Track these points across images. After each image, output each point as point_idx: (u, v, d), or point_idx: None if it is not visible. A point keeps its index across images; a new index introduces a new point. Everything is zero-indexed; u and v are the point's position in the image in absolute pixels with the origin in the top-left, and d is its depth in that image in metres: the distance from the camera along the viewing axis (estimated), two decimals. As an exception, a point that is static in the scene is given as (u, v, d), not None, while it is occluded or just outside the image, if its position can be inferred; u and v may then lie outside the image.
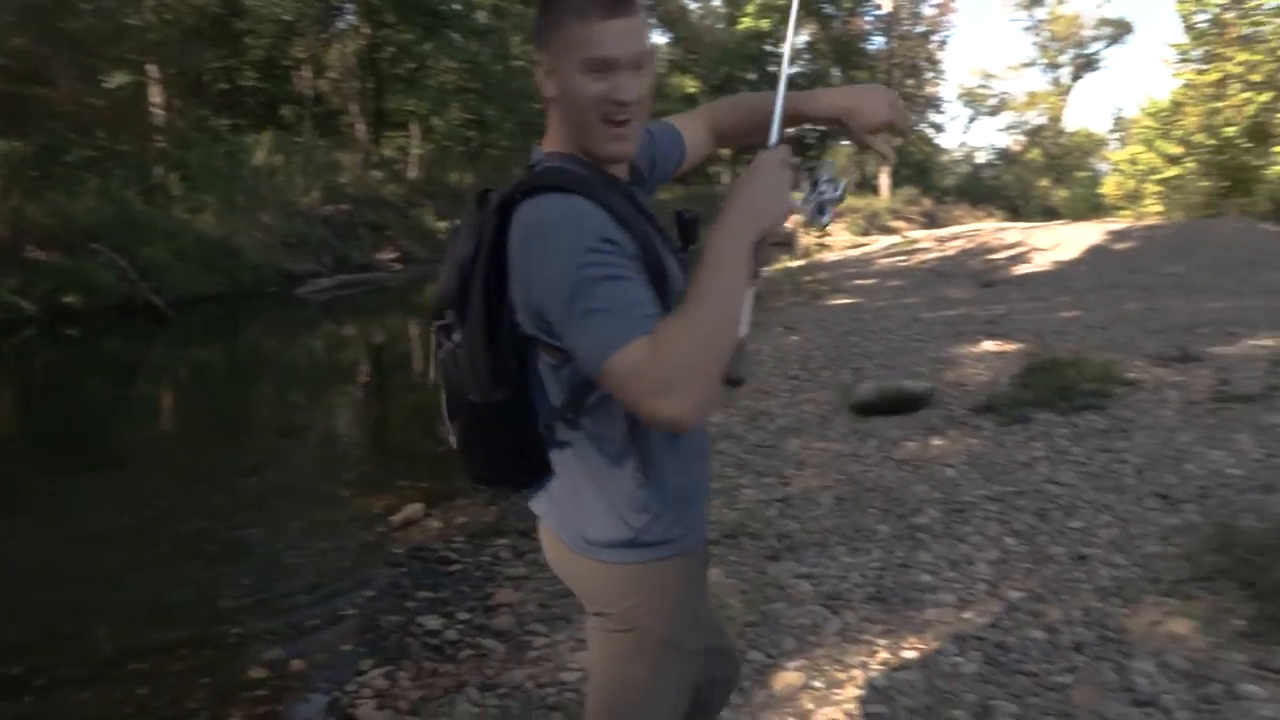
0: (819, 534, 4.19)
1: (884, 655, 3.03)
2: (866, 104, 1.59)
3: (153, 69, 19.66)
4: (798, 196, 1.39)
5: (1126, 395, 6.21)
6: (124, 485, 6.00)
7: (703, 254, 1.29)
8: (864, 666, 2.97)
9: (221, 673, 3.50)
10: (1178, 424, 5.45)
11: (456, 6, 28.83)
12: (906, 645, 3.08)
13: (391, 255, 21.71)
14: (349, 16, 29.33)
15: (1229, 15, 20.06)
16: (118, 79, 17.60)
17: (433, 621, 3.72)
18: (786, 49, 1.58)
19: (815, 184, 1.40)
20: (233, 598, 4.10)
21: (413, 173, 26.72)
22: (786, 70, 1.52)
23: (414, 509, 5.03)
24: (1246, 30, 19.80)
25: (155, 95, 20.34)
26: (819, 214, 1.41)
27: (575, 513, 1.52)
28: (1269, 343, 7.93)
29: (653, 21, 43.11)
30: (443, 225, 24.89)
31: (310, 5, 26.71)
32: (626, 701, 1.57)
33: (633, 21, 1.36)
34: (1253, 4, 19.91)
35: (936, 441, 5.46)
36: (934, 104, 50.89)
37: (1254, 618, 3.00)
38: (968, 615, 3.25)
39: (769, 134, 1.40)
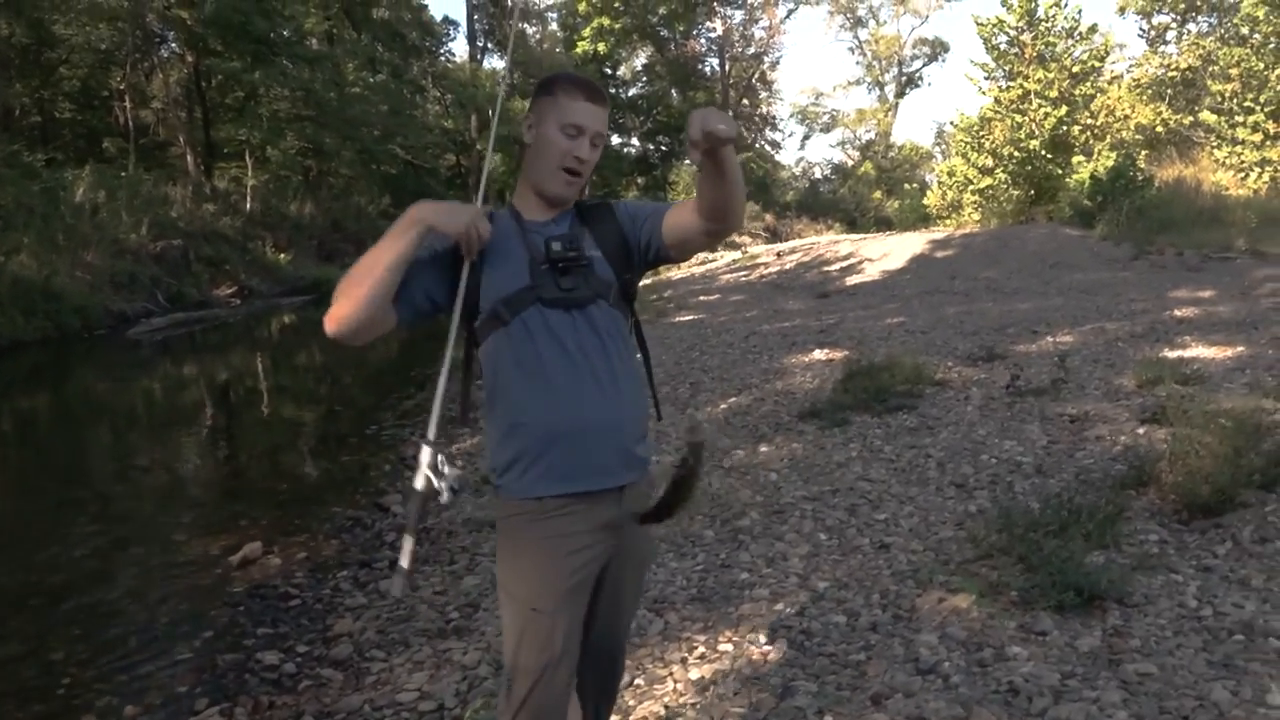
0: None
1: (701, 650, 3.26)
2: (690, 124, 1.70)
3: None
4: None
5: (935, 394, 6.71)
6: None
7: None
8: (683, 662, 3.19)
9: (51, 728, 3.44)
10: (978, 418, 5.95)
11: (286, 33, 28.15)
12: (723, 639, 3.32)
13: (230, 290, 21.02)
14: (171, 44, 28.27)
15: (1025, 37, 21.64)
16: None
17: (271, 657, 3.75)
18: (494, 117, 2.13)
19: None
20: (62, 649, 4.00)
21: (249, 204, 25.93)
22: (493, 135, 2.58)
23: (253, 547, 5.00)
24: (1042, 49, 21.39)
25: (-41, 131, 19.19)
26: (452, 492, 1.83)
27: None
28: (1066, 339, 8.68)
29: (518, 61, 43.24)
30: (283, 258, 24.27)
31: (128, 33, 25.60)
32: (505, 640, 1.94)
33: (601, 110, 1.95)
34: (1044, 26, 21.53)
35: (764, 448, 5.79)
36: (770, 122, 52.76)
37: (1024, 588, 3.37)
38: (779, 607, 3.53)
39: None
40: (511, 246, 1.91)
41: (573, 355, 1.86)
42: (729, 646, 3.26)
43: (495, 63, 45.62)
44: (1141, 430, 5.18)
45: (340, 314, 1.81)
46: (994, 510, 4.19)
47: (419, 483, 1.82)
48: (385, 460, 7.11)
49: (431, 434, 1.85)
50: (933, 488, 4.75)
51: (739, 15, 47.01)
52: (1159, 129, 23.86)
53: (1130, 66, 28.56)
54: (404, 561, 1.79)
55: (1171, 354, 7.23)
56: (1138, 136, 23.38)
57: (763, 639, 3.27)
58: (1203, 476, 3.96)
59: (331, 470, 7.12)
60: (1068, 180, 20.24)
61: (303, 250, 25.88)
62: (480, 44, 44.66)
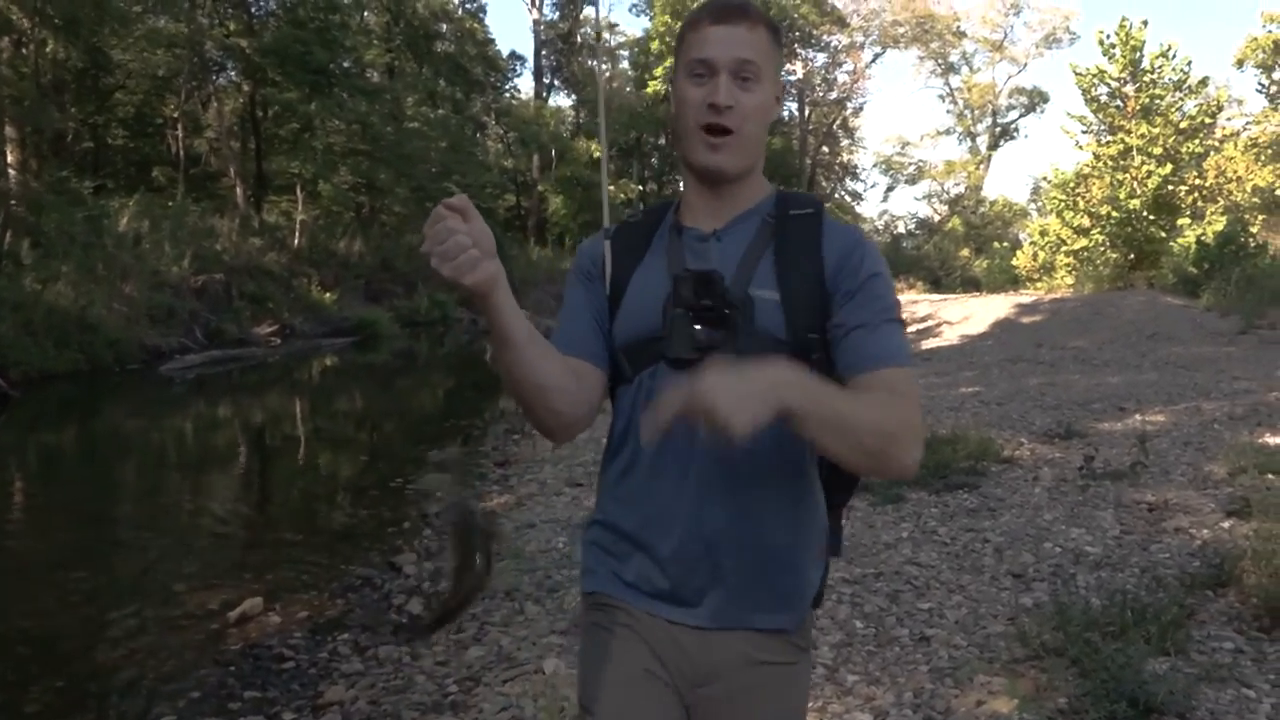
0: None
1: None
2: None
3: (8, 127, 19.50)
4: None
5: (1002, 473, 6.57)
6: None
7: None
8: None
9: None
10: (1046, 502, 5.80)
11: (346, 64, 29.10)
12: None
13: (271, 329, 21.50)
14: (229, 73, 29.38)
15: (1128, 89, 21.46)
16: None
17: (254, 723, 3.76)
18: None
19: None
20: (40, 701, 4.06)
21: (297, 240, 26.63)
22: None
23: (253, 603, 5.04)
24: (1146, 102, 21.18)
25: (10, 154, 20.08)
26: None
27: None
28: (1156, 418, 8.47)
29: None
30: (328, 297, 24.80)
31: (185, 60, 26.67)
32: None
33: (737, 30, 1.44)
34: (1149, 79, 21.34)
35: (807, 523, 5.69)
36: (851, 172, 52.97)
37: (1075, 695, 3.24)
38: (800, 700, 3.43)
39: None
40: (657, 268, 1.52)
41: (678, 445, 1.43)
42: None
43: (561, 100, 46.60)
44: (1227, 524, 5.00)
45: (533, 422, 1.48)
46: (1051, 605, 4.06)
47: None
48: (406, 516, 7.14)
49: None
50: (987, 576, 4.63)
51: (821, 58, 47.49)
52: (1279, 192, 23.37)
53: (1248, 124, 28.14)
54: None
55: (1274, 440, 7.00)
56: (1254, 200, 22.93)
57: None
58: (1288, 579, 3.79)
59: (350, 523, 7.18)
60: (1171, 244, 19.93)
61: (349, 290, 26.42)
62: (546, 80, 45.66)
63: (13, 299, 15.02)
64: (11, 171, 19.68)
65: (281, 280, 24.13)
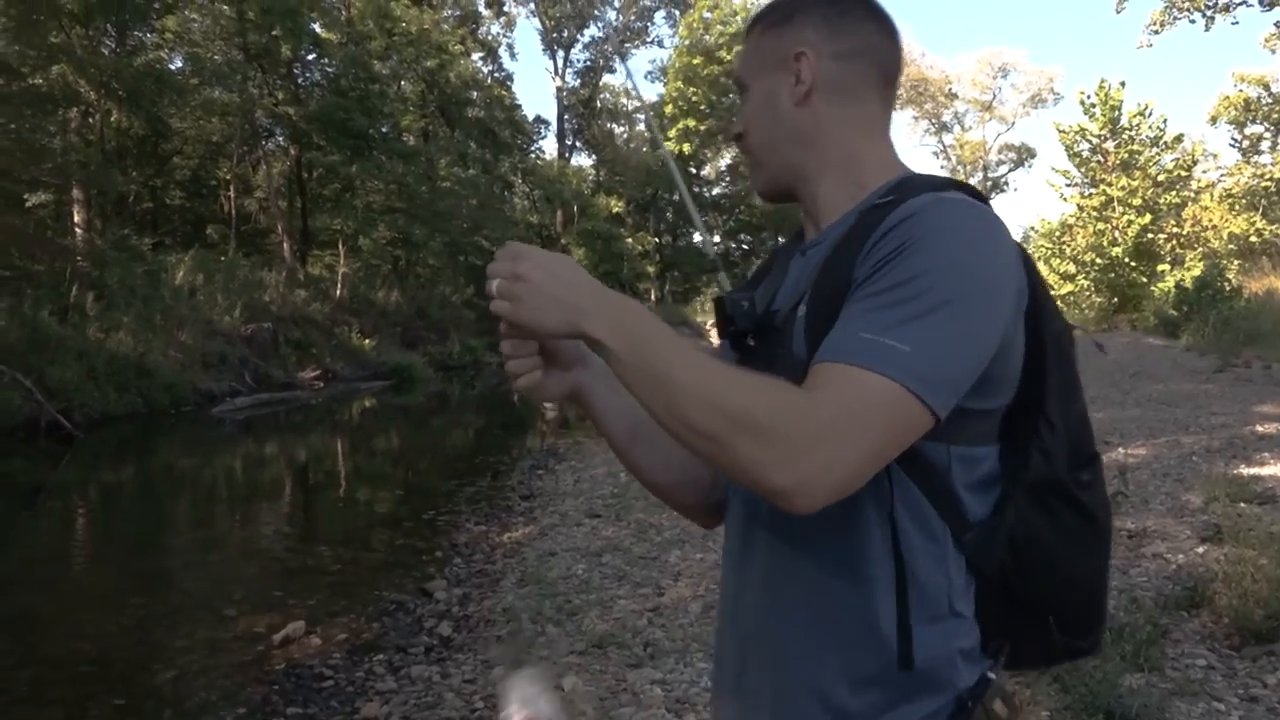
0: (682, 641, 4.37)
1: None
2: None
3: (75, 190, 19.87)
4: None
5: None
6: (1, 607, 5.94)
7: None
8: (695, 765, 3.15)
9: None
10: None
11: (384, 129, 29.59)
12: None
13: (314, 373, 21.69)
14: (277, 138, 29.88)
15: (1108, 144, 21.59)
16: (37, 199, 17.67)
17: (296, 737, 3.80)
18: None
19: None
20: (100, 718, 4.12)
21: (339, 291, 26.94)
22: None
23: (296, 626, 5.09)
24: (1125, 156, 21.29)
25: (77, 214, 20.46)
26: None
27: None
28: (1139, 451, 8.45)
29: (593, 141, 44.45)
30: (367, 343, 25.02)
31: (237, 127, 27.18)
32: None
33: (748, 42, 1.21)
34: (1127, 135, 21.47)
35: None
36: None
37: (1056, 708, 3.25)
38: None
39: None
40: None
41: (734, 508, 1.17)
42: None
43: (582, 160, 47.11)
44: (1201, 549, 4.99)
45: None
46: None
47: None
48: (438, 546, 7.19)
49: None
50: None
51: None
52: (1253, 238, 23.36)
53: (1222, 176, 28.21)
54: None
55: (1248, 471, 6.97)
56: (1229, 246, 22.94)
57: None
58: (1257, 600, 3.80)
59: (385, 553, 7.23)
60: (1152, 289, 19.91)
61: (387, 337, 26.65)
62: (569, 142, 46.17)
63: (77, 347, 15.25)
64: (78, 230, 20.05)
65: (324, 328, 24.37)
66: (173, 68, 25.42)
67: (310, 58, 28.82)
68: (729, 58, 40.10)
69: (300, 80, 29.16)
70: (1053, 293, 1.12)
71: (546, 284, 0.97)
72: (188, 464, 12.65)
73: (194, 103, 25.74)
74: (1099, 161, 21.65)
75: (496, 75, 39.92)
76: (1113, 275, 20.73)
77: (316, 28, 27.72)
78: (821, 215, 1.15)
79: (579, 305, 0.97)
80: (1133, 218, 20.40)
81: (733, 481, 0.95)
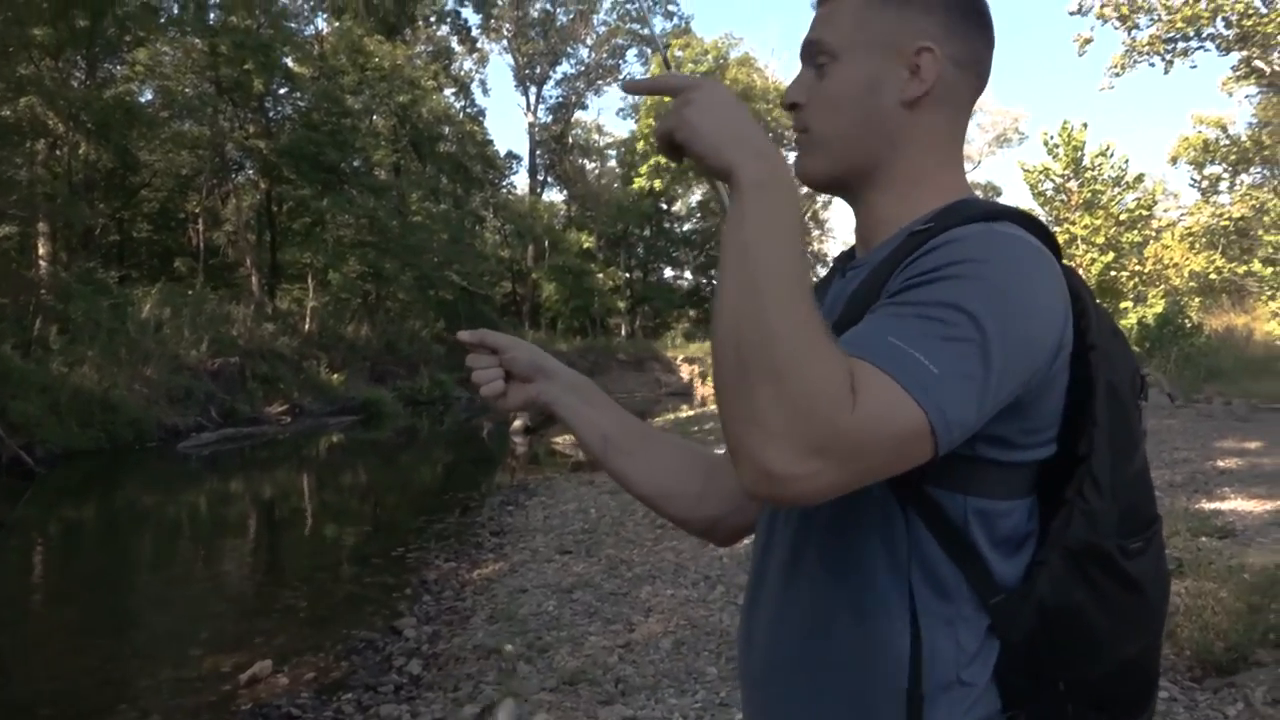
0: (652, 678, 4.38)
1: (686, 790, 3.22)
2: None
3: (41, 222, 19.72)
4: None
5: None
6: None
7: None
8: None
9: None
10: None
11: (356, 164, 29.60)
12: (709, 780, 3.28)
13: (281, 408, 21.50)
14: (247, 171, 29.82)
15: (1071, 184, 22.01)
16: (1, 231, 17.49)
17: (263, 778, 3.77)
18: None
19: None
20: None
21: (308, 325, 26.78)
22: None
23: (263, 665, 5.05)
24: (1088, 196, 21.70)
25: (42, 246, 20.27)
26: None
27: None
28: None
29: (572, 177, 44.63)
30: (336, 378, 24.87)
31: (207, 160, 27.12)
32: None
33: (820, 11, 1.07)
34: (1090, 175, 21.89)
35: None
36: (822, 260, 53.58)
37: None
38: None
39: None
40: None
41: (760, 538, 1.10)
42: (714, 788, 3.22)
43: (554, 195, 47.32)
44: (1164, 583, 5.07)
45: None
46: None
47: None
48: (408, 583, 7.15)
49: None
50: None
51: (793, 155, 48.37)
52: (1212, 276, 23.84)
53: (1183, 215, 28.81)
54: None
55: (1209, 505, 7.09)
56: (1190, 284, 23.39)
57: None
58: (1218, 633, 3.88)
59: (354, 590, 7.18)
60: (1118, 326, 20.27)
61: (356, 371, 26.50)
62: (540, 177, 46.37)
63: (40, 381, 15.06)
64: (42, 263, 19.87)
65: (292, 363, 24.20)
66: (143, 100, 25.39)
67: (282, 91, 28.85)
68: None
69: (271, 114, 29.16)
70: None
71: (715, 113, 0.88)
72: (152, 500, 12.49)
73: (164, 135, 25.68)
74: (1063, 201, 22.06)
75: (469, 111, 40.05)
76: (1077, 312, 21.01)
77: (289, 61, 27.77)
78: (874, 227, 1.06)
79: (735, 146, 0.86)
80: (1096, 255, 20.77)
81: (723, 422, 0.81)
